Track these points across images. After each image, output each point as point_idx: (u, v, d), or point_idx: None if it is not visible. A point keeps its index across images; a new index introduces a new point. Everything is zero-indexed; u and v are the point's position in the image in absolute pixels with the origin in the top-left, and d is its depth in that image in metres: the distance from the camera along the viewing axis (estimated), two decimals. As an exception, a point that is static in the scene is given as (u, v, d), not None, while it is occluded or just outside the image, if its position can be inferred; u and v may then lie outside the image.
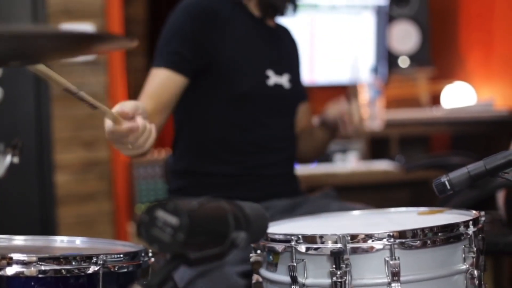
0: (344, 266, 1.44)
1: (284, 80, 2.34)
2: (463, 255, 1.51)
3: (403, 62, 4.55)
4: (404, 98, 4.62)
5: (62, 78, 1.62)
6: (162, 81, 2.10)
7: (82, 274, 1.49)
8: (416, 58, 4.56)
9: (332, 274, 1.45)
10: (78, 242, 1.78)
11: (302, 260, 1.50)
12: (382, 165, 3.95)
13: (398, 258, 1.45)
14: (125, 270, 1.54)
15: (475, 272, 1.50)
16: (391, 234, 1.45)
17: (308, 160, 2.61)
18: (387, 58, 4.49)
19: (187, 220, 1.14)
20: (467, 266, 1.51)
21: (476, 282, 1.50)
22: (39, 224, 3.89)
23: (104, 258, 1.50)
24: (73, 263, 1.49)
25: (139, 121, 1.75)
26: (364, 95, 4.15)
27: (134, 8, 4.88)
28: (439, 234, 1.49)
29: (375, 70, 4.47)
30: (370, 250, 1.46)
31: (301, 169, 2.47)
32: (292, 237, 1.51)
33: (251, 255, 1.62)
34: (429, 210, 1.80)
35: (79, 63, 3.94)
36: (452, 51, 4.78)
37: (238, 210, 1.27)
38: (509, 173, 1.50)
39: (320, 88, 4.36)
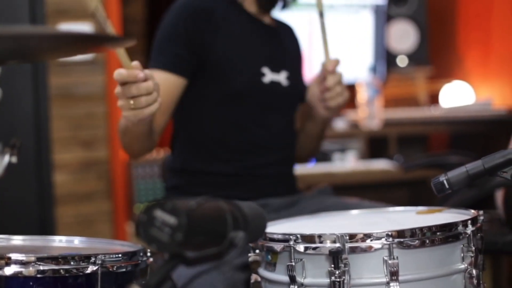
0: (342, 265, 1.44)
1: (281, 78, 2.33)
2: (462, 255, 1.52)
3: (402, 61, 4.55)
4: (402, 97, 4.62)
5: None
6: (161, 84, 2.10)
7: (81, 274, 1.49)
8: (415, 57, 4.56)
9: (330, 274, 1.45)
10: (76, 242, 1.78)
11: (301, 259, 1.50)
12: (381, 165, 3.95)
13: (397, 257, 1.45)
14: (124, 270, 1.54)
15: (474, 271, 1.51)
16: (390, 233, 1.45)
17: (305, 157, 2.59)
18: (386, 57, 4.49)
19: (185, 220, 1.14)
20: (466, 265, 1.51)
21: (475, 281, 1.51)
22: (37, 223, 3.89)
23: (103, 258, 1.50)
24: (72, 263, 1.49)
25: (149, 79, 1.76)
26: (363, 95, 4.15)
27: (133, 8, 4.88)
28: (438, 233, 1.49)
29: (374, 69, 4.47)
30: (368, 249, 1.46)
31: (300, 169, 2.47)
32: (291, 237, 1.51)
33: (249, 254, 1.62)
34: (428, 210, 1.80)
35: (77, 63, 3.94)
36: (451, 51, 4.78)
37: (236, 210, 1.27)
38: (508, 172, 1.50)
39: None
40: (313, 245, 1.48)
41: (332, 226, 1.77)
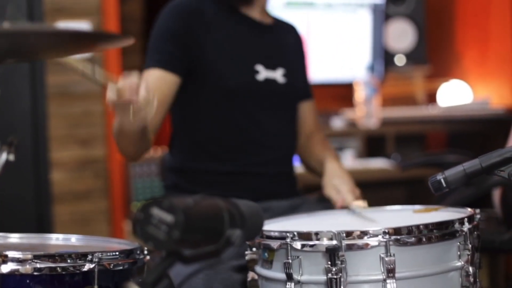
0: (339, 262, 1.44)
1: (277, 75, 2.33)
2: (458, 252, 1.52)
3: (399, 60, 4.55)
4: (400, 96, 4.62)
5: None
6: (154, 81, 2.10)
7: (78, 271, 1.49)
8: (412, 56, 4.56)
9: (327, 271, 1.45)
10: (73, 240, 1.78)
11: (298, 257, 1.50)
12: (378, 163, 3.95)
13: (394, 254, 1.45)
14: (121, 267, 1.54)
15: (470, 269, 1.51)
16: (386, 230, 1.46)
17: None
18: (383, 56, 4.49)
19: (182, 218, 1.14)
20: (462, 263, 1.51)
21: (471, 279, 1.51)
22: (34, 221, 3.88)
23: (100, 255, 1.50)
24: (69, 260, 1.49)
25: (142, 92, 1.74)
26: (361, 94, 4.15)
27: (130, 6, 4.87)
28: (434, 231, 1.49)
29: (371, 68, 4.47)
30: (365, 246, 1.46)
31: (298, 168, 2.46)
32: (288, 234, 1.51)
33: (246, 252, 1.62)
34: (425, 208, 1.80)
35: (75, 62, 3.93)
36: (448, 50, 4.78)
37: (233, 208, 1.27)
38: (505, 171, 1.50)
39: (316, 86, 4.36)
40: (310, 243, 1.49)
41: (329, 224, 1.77)
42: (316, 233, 1.48)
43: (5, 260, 1.47)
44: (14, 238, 1.77)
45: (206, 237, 1.22)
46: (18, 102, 3.89)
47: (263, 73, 2.28)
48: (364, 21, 4.46)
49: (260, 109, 2.29)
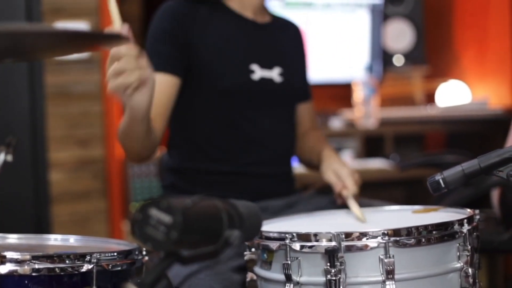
0: (338, 264, 1.44)
1: (274, 74, 2.32)
2: (458, 253, 1.52)
3: (398, 60, 4.55)
4: (398, 97, 4.62)
5: None
6: (157, 86, 2.10)
7: (76, 272, 1.49)
8: (411, 57, 4.57)
9: (326, 272, 1.45)
10: (72, 241, 1.77)
11: (297, 258, 1.50)
12: (377, 164, 3.95)
13: (393, 256, 1.45)
14: (119, 268, 1.53)
15: (470, 270, 1.51)
16: (386, 232, 1.45)
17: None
18: (382, 57, 4.49)
19: (180, 218, 1.14)
20: (462, 264, 1.51)
21: (471, 280, 1.51)
22: (33, 222, 3.88)
23: (98, 256, 1.50)
24: (67, 261, 1.48)
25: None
26: (359, 94, 4.15)
27: (129, 6, 4.87)
28: (434, 232, 1.49)
29: (370, 68, 4.47)
30: (364, 248, 1.46)
31: (296, 168, 2.46)
32: (287, 235, 1.51)
33: (245, 253, 1.62)
34: (424, 209, 1.80)
35: (73, 61, 3.93)
36: (447, 50, 4.78)
37: (231, 208, 1.27)
38: (504, 171, 1.50)
39: (315, 86, 4.35)
40: (309, 244, 1.48)
41: (328, 225, 1.77)
42: (315, 234, 1.48)
43: (3, 261, 1.47)
44: (13, 238, 1.77)
45: (204, 237, 1.22)
46: (17, 102, 3.89)
47: (258, 72, 2.28)
48: (363, 21, 4.46)
49: (257, 108, 2.28)
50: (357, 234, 1.46)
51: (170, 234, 1.14)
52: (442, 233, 1.50)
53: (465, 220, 1.53)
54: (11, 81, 3.86)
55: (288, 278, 1.50)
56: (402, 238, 1.46)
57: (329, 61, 4.44)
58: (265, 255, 1.57)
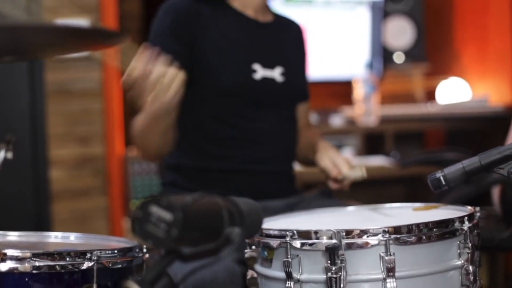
0: (339, 261, 1.44)
1: (275, 74, 2.32)
2: (458, 251, 1.51)
3: (398, 57, 4.55)
4: (399, 94, 4.62)
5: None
6: None
7: (76, 270, 1.49)
8: (411, 54, 4.56)
9: (327, 270, 1.44)
10: (72, 238, 1.77)
11: (297, 255, 1.49)
12: (377, 161, 3.95)
13: (393, 253, 1.44)
14: (120, 266, 1.53)
15: (470, 267, 1.50)
16: (386, 229, 1.45)
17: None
18: (382, 54, 4.49)
19: (181, 216, 1.14)
20: (462, 261, 1.51)
21: (471, 277, 1.50)
22: (33, 219, 3.88)
23: (98, 254, 1.50)
24: (67, 259, 1.48)
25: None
26: (359, 91, 4.14)
27: (129, 4, 4.87)
28: (434, 229, 1.49)
29: (370, 65, 4.47)
30: (365, 245, 1.46)
31: (296, 166, 2.46)
32: (287, 233, 1.50)
33: (246, 251, 1.62)
34: (424, 206, 1.80)
35: (73, 59, 3.93)
36: (447, 47, 4.78)
37: (232, 206, 1.27)
38: (504, 169, 1.50)
39: (315, 84, 4.36)
40: (310, 241, 1.48)
41: (328, 222, 1.77)
42: (316, 232, 1.48)
43: (3, 258, 1.47)
44: (13, 236, 1.77)
45: (205, 235, 1.22)
46: (17, 100, 3.89)
47: (260, 72, 2.28)
48: (363, 19, 4.46)
49: (258, 107, 2.28)
50: (358, 231, 1.46)
51: (171, 231, 1.14)
52: (443, 230, 1.49)
53: (466, 218, 1.53)
54: (11, 79, 3.86)
55: (289, 276, 1.50)
56: (403, 235, 1.46)
57: (329, 58, 4.44)
58: (265, 252, 1.57)
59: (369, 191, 3.96)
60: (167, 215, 1.14)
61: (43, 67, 3.89)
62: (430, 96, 4.63)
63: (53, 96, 3.92)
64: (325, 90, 4.46)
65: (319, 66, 4.33)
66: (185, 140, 2.29)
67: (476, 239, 1.55)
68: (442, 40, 4.81)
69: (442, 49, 4.80)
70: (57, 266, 1.48)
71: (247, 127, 2.27)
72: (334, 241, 1.45)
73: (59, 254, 1.49)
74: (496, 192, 2.57)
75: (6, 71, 3.85)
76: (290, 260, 1.49)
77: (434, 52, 4.74)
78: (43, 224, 3.85)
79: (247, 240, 1.60)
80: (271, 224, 1.69)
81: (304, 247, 1.49)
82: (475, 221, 1.56)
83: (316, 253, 1.48)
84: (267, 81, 2.29)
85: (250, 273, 1.61)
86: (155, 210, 1.15)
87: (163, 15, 2.26)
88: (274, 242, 1.53)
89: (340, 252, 1.44)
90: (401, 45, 4.55)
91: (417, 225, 1.47)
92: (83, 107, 3.99)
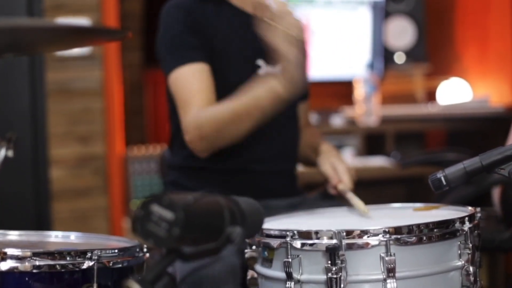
0: (339, 262, 1.44)
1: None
2: (459, 252, 1.51)
3: (399, 58, 4.55)
4: (400, 94, 4.62)
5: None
6: (197, 76, 2.10)
7: (77, 269, 1.49)
8: (412, 54, 4.56)
9: (327, 270, 1.44)
10: (72, 237, 1.77)
11: (297, 256, 1.49)
12: (378, 161, 3.95)
13: (394, 254, 1.44)
14: (120, 265, 1.53)
15: (471, 268, 1.50)
16: (387, 230, 1.45)
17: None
18: (383, 54, 4.49)
19: (182, 215, 1.14)
20: (463, 262, 1.51)
21: (472, 278, 1.50)
22: (33, 219, 3.88)
23: (99, 253, 1.50)
24: (68, 258, 1.48)
25: None
26: (360, 91, 4.14)
27: (130, 3, 4.87)
28: (435, 230, 1.49)
29: (371, 65, 4.47)
30: (365, 246, 1.46)
31: (298, 166, 2.45)
32: (288, 233, 1.50)
33: (246, 251, 1.62)
34: (425, 206, 1.80)
35: (74, 58, 3.93)
36: (448, 47, 4.78)
37: (233, 205, 1.27)
38: (505, 169, 1.50)
39: (316, 83, 4.36)
40: (310, 242, 1.48)
41: (329, 223, 1.77)
42: (316, 232, 1.48)
43: (4, 257, 1.46)
44: (13, 235, 1.77)
45: (206, 234, 1.22)
46: (17, 99, 3.89)
47: (264, 68, 2.28)
48: (364, 19, 4.46)
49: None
50: (358, 232, 1.46)
51: (172, 230, 1.14)
52: (443, 231, 1.49)
53: (466, 218, 1.53)
54: (12, 77, 3.86)
55: (289, 276, 1.49)
56: (403, 236, 1.46)
57: (330, 58, 4.44)
58: (266, 253, 1.57)
59: (370, 191, 3.95)
60: (168, 214, 1.14)
61: (44, 66, 3.89)
62: (430, 96, 4.63)
63: (53, 95, 3.92)
64: (325, 90, 4.46)
65: (320, 66, 4.33)
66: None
67: (477, 239, 1.55)
68: (443, 40, 4.81)
69: (443, 50, 4.80)
70: (57, 266, 1.48)
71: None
72: (334, 241, 1.45)
73: (60, 254, 1.48)
74: (496, 193, 2.57)
75: (6, 70, 3.85)
76: (290, 260, 1.49)
77: (435, 53, 4.74)
78: (43, 223, 3.84)
79: (247, 240, 1.60)
80: (272, 224, 1.69)
81: (305, 247, 1.49)
82: (476, 221, 1.56)
83: (316, 253, 1.48)
84: None
85: (250, 273, 1.61)
86: (157, 209, 1.15)
87: (172, 15, 2.23)
88: (274, 242, 1.53)
89: (341, 253, 1.44)
90: (402, 45, 4.55)
91: (418, 225, 1.47)
92: (84, 106, 3.99)
